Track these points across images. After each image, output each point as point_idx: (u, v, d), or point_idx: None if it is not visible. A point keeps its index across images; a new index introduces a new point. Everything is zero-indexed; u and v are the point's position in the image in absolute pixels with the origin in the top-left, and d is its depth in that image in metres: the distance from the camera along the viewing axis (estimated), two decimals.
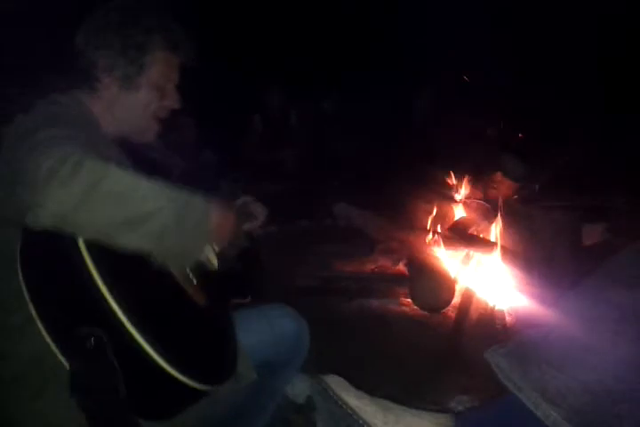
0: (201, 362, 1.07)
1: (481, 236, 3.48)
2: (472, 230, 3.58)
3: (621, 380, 1.08)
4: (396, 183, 4.37)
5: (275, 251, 3.18)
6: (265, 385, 1.49)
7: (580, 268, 2.59)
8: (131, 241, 0.99)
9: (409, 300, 3.07)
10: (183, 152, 3.59)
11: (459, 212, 3.87)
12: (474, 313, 2.87)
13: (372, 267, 3.62)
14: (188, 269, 1.22)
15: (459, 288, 3.03)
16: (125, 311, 0.95)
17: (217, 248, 1.25)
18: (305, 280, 3.30)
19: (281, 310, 1.54)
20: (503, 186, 4.10)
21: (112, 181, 0.98)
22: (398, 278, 3.34)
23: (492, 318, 2.84)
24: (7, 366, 1.11)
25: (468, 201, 3.98)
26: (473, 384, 2.17)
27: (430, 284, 2.97)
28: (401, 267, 3.55)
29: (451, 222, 3.72)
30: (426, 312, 2.97)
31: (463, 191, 4.19)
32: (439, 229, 3.60)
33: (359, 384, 1.55)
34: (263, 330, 1.46)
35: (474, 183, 4.18)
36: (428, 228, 3.65)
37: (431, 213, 3.76)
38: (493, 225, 3.41)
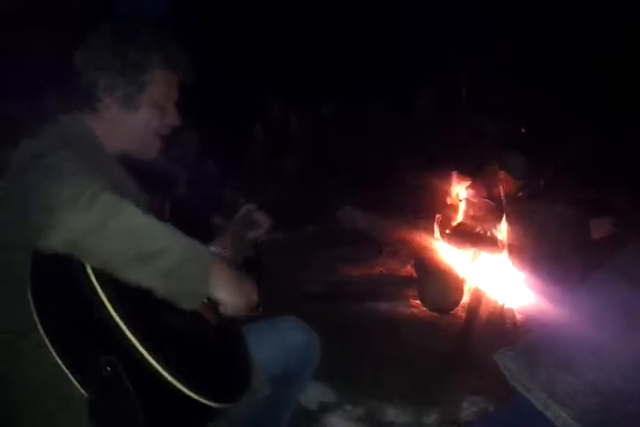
0: (215, 381, 1.08)
1: (487, 234, 3.47)
2: (478, 229, 3.58)
3: (630, 380, 1.09)
4: (398, 184, 4.37)
5: (281, 258, 3.20)
6: (279, 396, 1.50)
7: (588, 262, 2.59)
8: (139, 276, 1.00)
9: (418, 302, 3.07)
10: (186, 164, 3.62)
11: (463, 211, 3.87)
12: (483, 313, 2.87)
13: (381, 269, 3.63)
14: None
15: (467, 288, 3.03)
16: (138, 336, 0.96)
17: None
18: (314, 286, 3.31)
19: (290, 323, 1.54)
20: (507, 183, 4.09)
21: (127, 215, 1.01)
22: (407, 280, 3.35)
23: (502, 316, 2.84)
24: (16, 391, 1.12)
25: (473, 200, 3.98)
26: (484, 385, 2.18)
27: (438, 285, 2.97)
28: (409, 269, 3.56)
29: (456, 222, 3.72)
30: (435, 313, 2.98)
31: (467, 190, 4.19)
32: (445, 229, 3.60)
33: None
34: (274, 343, 1.47)
35: (477, 182, 4.17)
36: (434, 228, 3.66)
37: (436, 213, 3.77)
38: (499, 223, 3.41)
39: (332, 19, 6.38)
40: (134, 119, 1.34)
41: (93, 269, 0.99)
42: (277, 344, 1.47)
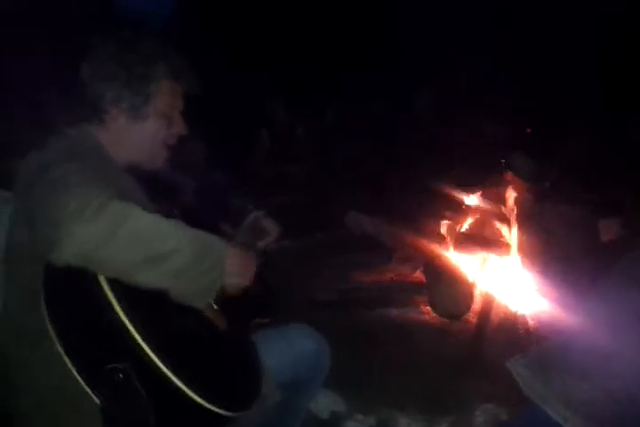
0: (227, 389, 1.08)
1: (496, 238, 3.45)
2: (486, 233, 3.56)
3: None
4: (404, 188, 4.35)
5: (290, 265, 3.19)
6: (289, 404, 1.50)
7: (598, 265, 2.56)
8: (149, 279, 1.01)
9: (429, 308, 3.05)
10: (192, 172, 3.63)
11: (471, 215, 3.85)
12: (495, 318, 2.85)
13: (391, 276, 3.61)
14: None
15: (478, 293, 3.01)
16: (149, 343, 0.97)
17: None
18: (325, 293, 3.29)
19: (300, 330, 1.54)
20: (514, 186, 4.07)
21: (134, 220, 1.02)
22: (417, 287, 3.33)
23: (514, 322, 2.82)
24: (29, 399, 1.12)
25: (481, 203, 3.96)
26: (496, 391, 2.16)
27: (449, 290, 2.95)
28: (419, 274, 3.54)
29: (464, 226, 3.70)
30: (446, 319, 2.96)
31: (474, 194, 4.17)
32: (454, 234, 3.58)
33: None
34: (283, 350, 1.47)
35: (484, 185, 4.15)
36: (443, 233, 3.64)
37: (444, 217, 3.75)
38: (508, 226, 3.38)
39: (332, 19, 6.38)
40: (141, 130, 1.35)
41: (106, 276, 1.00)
42: (286, 352, 1.47)
